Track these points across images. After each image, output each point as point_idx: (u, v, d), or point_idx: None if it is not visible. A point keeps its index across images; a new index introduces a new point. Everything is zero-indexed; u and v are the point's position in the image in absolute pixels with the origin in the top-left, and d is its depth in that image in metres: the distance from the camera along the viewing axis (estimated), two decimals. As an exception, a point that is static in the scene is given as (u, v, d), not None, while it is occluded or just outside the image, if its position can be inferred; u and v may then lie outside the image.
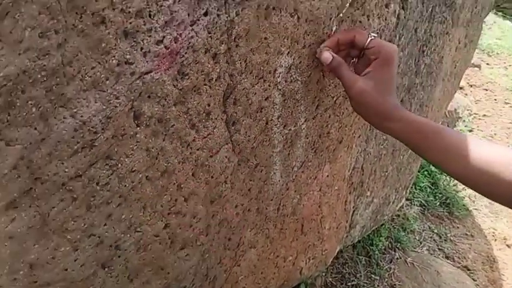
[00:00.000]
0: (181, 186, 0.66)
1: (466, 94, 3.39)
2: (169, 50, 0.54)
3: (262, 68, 0.69)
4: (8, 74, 0.40)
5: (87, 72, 0.47)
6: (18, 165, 0.45)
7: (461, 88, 3.42)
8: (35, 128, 0.45)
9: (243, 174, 0.78)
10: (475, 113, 3.17)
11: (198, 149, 0.65)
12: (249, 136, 0.74)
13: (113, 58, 0.48)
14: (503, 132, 2.98)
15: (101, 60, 0.47)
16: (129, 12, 0.48)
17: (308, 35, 0.75)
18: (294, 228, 1.06)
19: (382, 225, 1.86)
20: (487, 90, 3.51)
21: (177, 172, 0.63)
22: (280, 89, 0.75)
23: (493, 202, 2.37)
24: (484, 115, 3.17)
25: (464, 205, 2.25)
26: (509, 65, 4.23)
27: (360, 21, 0.88)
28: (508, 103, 3.37)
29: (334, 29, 0.80)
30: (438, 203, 2.18)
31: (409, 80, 1.41)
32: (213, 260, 0.82)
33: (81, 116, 0.48)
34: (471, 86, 3.53)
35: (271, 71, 0.71)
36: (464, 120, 3.01)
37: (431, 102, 1.72)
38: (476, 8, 1.79)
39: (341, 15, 0.81)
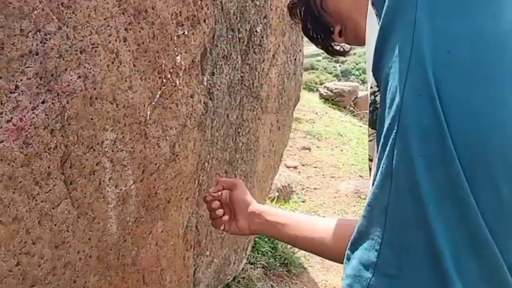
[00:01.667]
0: (29, 231, 0.85)
1: (300, 172, 3.97)
2: (16, 126, 0.77)
3: (91, 140, 0.94)
4: None
5: (-46, 141, 0.68)
6: None
7: (295, 167, 4.00)
8: None
9: (82, 225, 0.99)
10: (307, 187, 3.71)
11: (42, 201, 0.86)
12: (85, 193, 0.97)
13: (-26, 132, 0.71)
14: (331, 201, 3.53)
15: (-35, 133, 0.70)
16: (-14, 101, 0.71)
17: (127, 117, 1.03)
18: (136, 278, 1.26)
19: (228, 286, 2.11)
20: (316, 167, 4.14)
21: (26, 219, 0.84)
22: (108, 157, 1.01)
23: (323, 259, 2.78)
24: (315, 188, 3.73)
25: (300, 263, 2.61)
26: (336, 147, 5.01)
27: (170, 108, 1.20)
28: (334, 177, 4.01)
29: (148, 113, 1.10)
30: (278, 264, 2.51)
31: (229, 155, 1.76)
32: (61, 303, 0.99)
33: (-50, 172, 0.68)
34: (303, 165, 4.13)
35: (99, 143, 0.97)
36: (297, 193, 3.52)
37: (255, 174, 2.10)
38: (282, 99, 2.28)
39: (153, 103, 1.12)
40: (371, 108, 0.78)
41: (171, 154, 1.25)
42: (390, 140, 0.69)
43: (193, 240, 1.60)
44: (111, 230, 1.09)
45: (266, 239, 2.60)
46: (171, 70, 1.16)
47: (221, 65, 1.51)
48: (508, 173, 0.63)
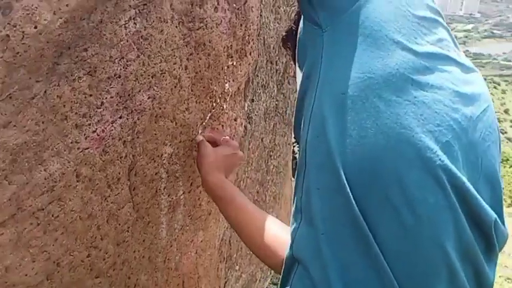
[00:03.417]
0: (100, 227, 0.99)
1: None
2: (99, 136, 0.92)
3: (153, 153, 1.09)
4: (17, 143, 0.76)
5: (55, 145, 0.83)
6: (12, 198, 0.78)
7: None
8: (24, 175, 0.79)
9: (139, 227, 1.13)
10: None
11: (111, 202, 1.00)
12: (144, 199, 1.11)
13: (69, 139, 0.85)
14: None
15: (62, 139, 0.84)
16: (80, 114, 0.86)
17: (183, 134, 1.18)
18: (177, 282, 1.38)
19: (253, 303, 2.20)
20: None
21: (98, 216, 0.97)
22: (165, 168, 1.15)
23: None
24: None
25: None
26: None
27: (217, 128, 1.34)
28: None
29: (200, 131, 1.25)
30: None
31: (261, 176, 1.89)
32: (116, 297, 1.12)
33: (49, 171, 0.83)
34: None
35: (159, 155, 1.11)
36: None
37: (282, 197, 2.22)
38: (311, 127, 2.41)
39: (204, 123, 1.27)
40: (292, 157, 0.88)
41: (214, 170, 1.38)
42: (300, 179, 0.75)
43: (226, 253, 1.71)
44: (162, 235, 1.22)
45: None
46: (220, 96, 1.31)
47: (260, 93, 1.66)
48: (406, 197, 0.65)
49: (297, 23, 1.02)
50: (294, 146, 0.82)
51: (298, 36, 0.81)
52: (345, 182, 0.66)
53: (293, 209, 0.77)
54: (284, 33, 1.09)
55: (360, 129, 0.67)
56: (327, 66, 0.72)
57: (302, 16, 0.80)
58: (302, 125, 0.76)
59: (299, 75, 0.81)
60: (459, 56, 0.76)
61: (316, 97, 0.72)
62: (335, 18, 0.71)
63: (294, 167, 0.85)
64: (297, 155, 0.82)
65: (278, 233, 0.90)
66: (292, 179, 0.86)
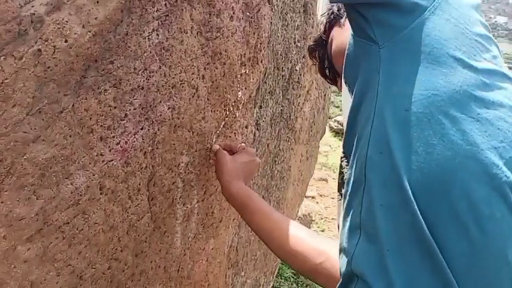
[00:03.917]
0: (120, 239, 0.98)
1: (318, 202, 4.09)
2: (123, 148, 0.91)
3: (171, 162, 1.08)
4: (46, 158, 0.75)
5: (81, 159, 0.82)
6: (39, 212, 0.77)
7: (313, 197, 4.12)
8: (52, 190, 0.78)
9: (156, 237, 1.12)
10: (326, 217, 3.83)
11: (132, 214, 1.00)
12: (161, 209, 1.10)
13: (94, 151, 0.85)
14: (348, 231, 3.65)
15: (88, 152, 0.83)
16: (105, 126, 0.86)
17: (198, 143, 1.17)
18: (188, 290, 1.38)
19: (256, 307, 2.21)
20: (333, 198, 4.25)
21: (119, 228, 0.97)
22: (181, 178, 1.14)
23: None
24: (333, 218, 3.84)
25: (321, 290, 2.72)
26: (351, 179, 5.12)
27: (230, 136, 1.34)
28: (351, 208, 4.12)
29: (214, 140, 1.25)
30: (301, 290, 2.62)
31: (266, 181, 1.89)
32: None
33: (75, 185, 0.82)
34: (321, 195, 4.26)
35: (176, 165, 1.11)
36: (316, 223, 3.63)
37: (285, 201, 2.22)
38: (312, 131, 2.42)
39: (218, 132, 1.26)
40: (339, 172, 0.87)
41: (226, 178, 1.38)
42: (359, 195, 0.74)
43: (233, 259, 1.71)
44: (176, 244, 1.22)
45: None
46: (233, 104, 1.31)
47: (267, 99, 1.66)
48: (475, 213, 0.66)
49: (327, 33, 1.02)
50: (342, 161, 0.81)
51: (346, 51, 0.80)
52: (412, 198, 0.66)
53: (348, 224, 0.76)
54: (312, 43, 1.08)
55: (426, 145, 0.67)
56: (387, 83, 0.71)
57: (351, 31, 0.78)
58: (356, 141, 0.75)
59: (345, 91, 0.81)
60: (509, 72, 0.76)
61: (375, 113, 0.71)
62: (393, 35, 0.71)
63: (340, 181, 0.83)
64: (344, 170, 0.81)
65: (306, 240, 0.92)
66: (338, 194, 0.86)
